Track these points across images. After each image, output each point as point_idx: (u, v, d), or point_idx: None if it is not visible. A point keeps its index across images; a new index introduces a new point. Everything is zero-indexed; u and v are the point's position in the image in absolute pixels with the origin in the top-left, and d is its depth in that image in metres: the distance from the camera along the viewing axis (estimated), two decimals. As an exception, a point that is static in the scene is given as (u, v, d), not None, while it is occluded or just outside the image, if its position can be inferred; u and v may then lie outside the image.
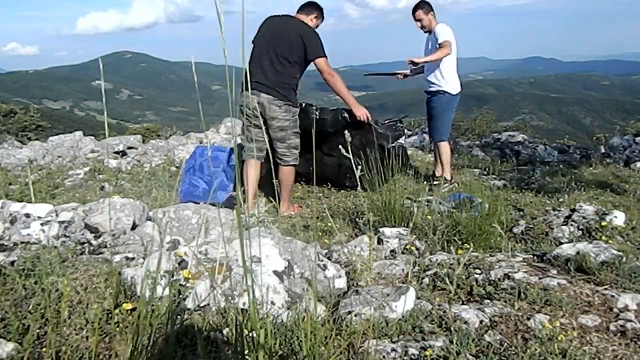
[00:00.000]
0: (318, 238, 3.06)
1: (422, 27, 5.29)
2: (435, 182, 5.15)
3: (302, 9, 4.36)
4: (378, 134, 4.66)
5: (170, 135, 9.13)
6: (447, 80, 5.23)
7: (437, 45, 5.07)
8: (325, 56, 4.18)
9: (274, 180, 4.41)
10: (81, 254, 2.38)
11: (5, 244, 2.43)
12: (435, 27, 5.17)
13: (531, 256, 2.66)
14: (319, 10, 4.38)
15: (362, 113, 4.47)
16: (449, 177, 5.37)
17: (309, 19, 4.31)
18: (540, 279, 2.23)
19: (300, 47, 4.11)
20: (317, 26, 4.36)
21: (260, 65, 4.11)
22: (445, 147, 5.40)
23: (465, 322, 1.89)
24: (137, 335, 1.43)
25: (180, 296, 1.89)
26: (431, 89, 5.36)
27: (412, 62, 5.09)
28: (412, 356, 1.69)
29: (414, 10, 5.26)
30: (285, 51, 4.11)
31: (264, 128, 4.15)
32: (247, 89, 3.87)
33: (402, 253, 2.83)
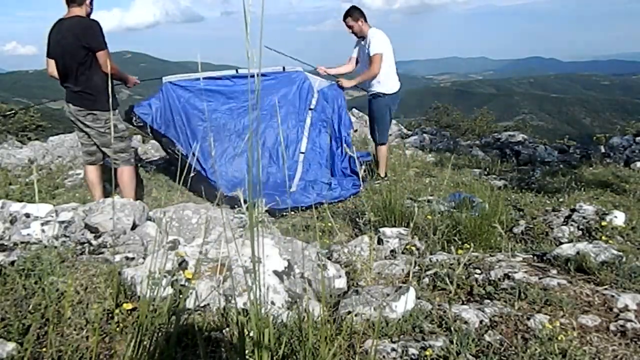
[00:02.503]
0: (318, 238, 3.06)
1: (354, 34, 5.36)
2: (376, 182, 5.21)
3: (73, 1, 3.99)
4: None
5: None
6: (383, 82, 5.28)
7: (369, 56, 5.17)
8: (105, 47, 3.96)
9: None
10: (81, 254, 2.38)
11: (5, 244, 2.43)
12: (368, 34, 5.25)
13: (531, 256, 2.66)
14: None
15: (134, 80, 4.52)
16: (382, 174, 5.45)
17: (83, 9, 4.00)
18: (540, 279, 2.23)
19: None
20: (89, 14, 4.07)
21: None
22: (383, 150, 5.47)
23: (465, 322, 1.89)
24: (137, 335, 1.43)
25: (181, 296, 1.89)
26: (370, 91, 5.42)
27: (341, 86, 5.42)
28: (412, 356, 1.69)
29: (344, 17, 5.33)
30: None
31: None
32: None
33: (402, 253, 2.83)
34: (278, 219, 4.07)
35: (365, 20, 5.30)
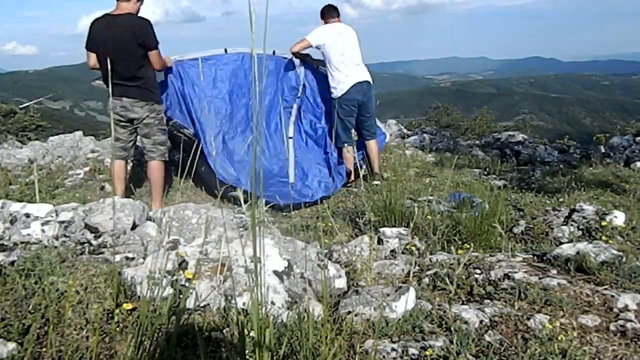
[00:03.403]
0: (318, 238, 3.06)
1: None
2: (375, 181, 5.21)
3: None
4: None
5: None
6: (331, 85, 5.18)
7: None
8: (157, 46, 4.13)
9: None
10: (81, 254, 2.38)
11: (5, 244, 2.43)
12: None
13: (531, 256, 2.66)
14: None
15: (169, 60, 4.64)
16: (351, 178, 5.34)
17: (134, 6, 4.15)
18: (540, 279, 2.23)
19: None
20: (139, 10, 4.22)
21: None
22: (344, 153, 5.30)
23: (465, 322, 1.89)
24: (137, 335, 1.43)
25: (181, 296, 1.89)
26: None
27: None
28: (412, 356, 1.69)
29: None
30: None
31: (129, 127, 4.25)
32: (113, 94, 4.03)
33: (402, 253, 2.83)
34: (278, 219, 4.07)
35: (322, 18, 5.29)
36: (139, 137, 4.36)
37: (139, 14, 4.19)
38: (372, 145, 5.37)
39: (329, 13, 5.25)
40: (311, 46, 5.13)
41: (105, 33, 4.06)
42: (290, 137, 5.20)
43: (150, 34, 4.07)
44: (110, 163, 4.52)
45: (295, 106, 5.31)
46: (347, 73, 5.08)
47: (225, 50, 5.18)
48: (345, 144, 5.23)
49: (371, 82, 5.27)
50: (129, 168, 4.50)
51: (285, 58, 5.42)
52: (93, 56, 4.17)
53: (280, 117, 5.21)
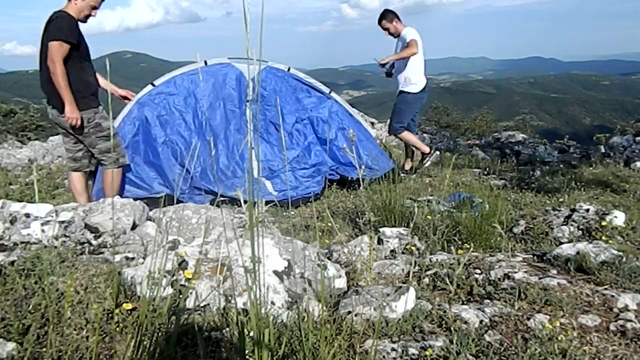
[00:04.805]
0: (318, 238, 3.06)
1: (391, 34, 5.73)
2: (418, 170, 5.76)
3: None
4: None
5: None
6: (412, 80, 5.67)
7: (405, 45, 5.47)
8: (59, 40, 3.58)
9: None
10: (81, 254, 2.38)
11: (5, 244, 2.43)
12: (402, 31, 5.59)
13: (531, 256, 2.66)
14: None
15: (74, 116, 3.74)
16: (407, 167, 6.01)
17: (72, 3, 3.77)
18: (540, 279, 2.23)
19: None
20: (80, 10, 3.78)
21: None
22: (406, 136, 5.93)
23: (465, 322, 1.89)
24: (137, 335, 1.43)
25: (181, 296, 1.89)
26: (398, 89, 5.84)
27: (381, 64, 5.59)
28: (412, 356, 1.69)
29: (379, 21, 5.73)
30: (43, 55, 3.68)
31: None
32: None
33: (402, 253, 2.83)
34: (278, 219, 4.08)
35: (400, 20, 5.68)
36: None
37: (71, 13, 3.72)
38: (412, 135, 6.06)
39: (398, 17, 5.70)
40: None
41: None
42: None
43: (56, 25, 3.58)
44: (68, 177, 4.21)
45: (249, 112, 5.03)
46: (423, 73, 5.75)
47: (205, 62, 5.08)
48: (404, 130, 5.83)
49: None
50: (86, 179, 4.19)
51: (223, 64, 5.16)
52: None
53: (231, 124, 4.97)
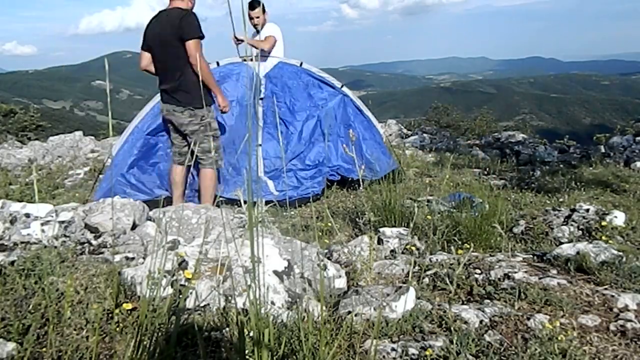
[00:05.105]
0: (318, 238, 3.06)
1: (255, 25, 5.24)
2: None
3: None
4: None
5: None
6: None
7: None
8: (197, 37, 3.78)
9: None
10: (81, 254, 2.38)
11: (5, 244, 2.43)
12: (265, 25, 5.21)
13: (531, 256, 2.66)
14: None
15: (226, 104, 4.09)
16: None
17: (185, 2, 3.94)
18: (540, 279, 2.23)
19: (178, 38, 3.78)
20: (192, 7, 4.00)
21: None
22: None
23: (465, 322, 1.89)
24: (137, 335, 1.43)
25: (181, 296, 1.89)
26: None
27: (237, 38, 5.15)
28: (412, 356, 1.69)
29: (253, 6, 5.16)
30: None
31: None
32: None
33: (402, 253, 2.83)
34: (278, 219, 4.08)
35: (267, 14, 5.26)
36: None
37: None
38: None
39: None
40: None
41: (153, 30, 3.92)
42: (259, 145, 4.94)
43: (190, 23, 3.77)
44: (169, 168, 4.37)
45: (260, 110, 5.05)
46: None
47: (217, 63, 5.04)
48: None
49: None
50: (186, 173, 4.31)
51: (234, 63, 5.14)
52: (145, 56, 4.04)
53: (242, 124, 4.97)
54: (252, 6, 5.16)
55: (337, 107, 5.36)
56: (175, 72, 3.87)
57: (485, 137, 10.42)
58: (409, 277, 2.31)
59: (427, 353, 1.65)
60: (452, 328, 1.83)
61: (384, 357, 1.69)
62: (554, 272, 2.35)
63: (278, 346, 1.52)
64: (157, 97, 4.70)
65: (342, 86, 5.49)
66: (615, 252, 2.43)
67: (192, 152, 4.06)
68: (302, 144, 5.07)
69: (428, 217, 3.27)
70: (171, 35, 3.78)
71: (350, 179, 5.12)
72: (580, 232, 3.33)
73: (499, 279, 2.27)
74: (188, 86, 3.87)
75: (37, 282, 1.93)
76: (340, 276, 2.28)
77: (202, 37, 3.79)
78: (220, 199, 3.87)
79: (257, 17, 5.18)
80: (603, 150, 8.00)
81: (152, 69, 4.06)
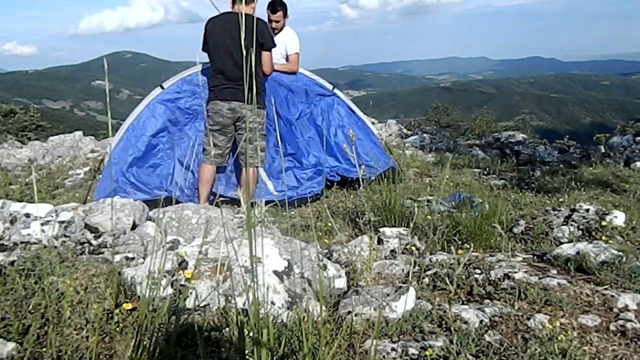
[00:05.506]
0: (318, 238, 3.06)
1: (274, 29, 5.06)
2: None
3: None
4: None
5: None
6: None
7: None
8: (272, 49, 4.32)
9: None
10: (81, 254, 2.38)
11: (5, 244, 2.43)
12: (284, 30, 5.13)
13: (531, 256, 2.66)
14: None
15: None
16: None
17: (251, 9, 4.22)
18: (540, 279, 2.23)
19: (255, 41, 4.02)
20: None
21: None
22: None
23: (465, 322, 1.89)
24: (137, 335, 1.43)
25: (181, 296, 1.89)
26: None
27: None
28: (412, 356, 1.69)
29: (275, 10, 5.01)
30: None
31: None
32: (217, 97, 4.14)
33: (402, 253, 2.83)
34: (278, 219, 4.08)
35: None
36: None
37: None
38: None
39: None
40: None
41: (224, 27, 4.14)
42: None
43: (268, 34, 4.21)
44: (200, 167, 4.44)
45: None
46: None
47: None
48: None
49: None
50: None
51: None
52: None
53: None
54: (273, 10, 5.04)
55: (330, 109, 5.40)
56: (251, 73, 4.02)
57: (485, 137, 10.41)
58: (409, 277, 2.31)
59: (427, 353, 1.65)
60: (452, 328, 1.83)
61: (384, 357, 1.69)
62: (554, 272, 2.35)
63: (278, 346, 1.52)
64: (152, 94, 4.73)
65: (333, 88, 5.52)
66: (615, 252, 2.43)
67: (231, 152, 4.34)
68: (299, 137, 5.10)
69: (428, 217, 3.27)
70: (250, 39, 3.93)
71: (350, 179, 5.12)
72: (580, 232, 3.33)
73: (499, 279, 2.27)
74: (259, 87, 4.27)
75: (37, 282, 1.93)
76: (340, 276, 2.28)
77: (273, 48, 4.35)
78: (220, 199, 3.88)
79: (277, 22, 5.10)
80: (603, 150, 8.00)
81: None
